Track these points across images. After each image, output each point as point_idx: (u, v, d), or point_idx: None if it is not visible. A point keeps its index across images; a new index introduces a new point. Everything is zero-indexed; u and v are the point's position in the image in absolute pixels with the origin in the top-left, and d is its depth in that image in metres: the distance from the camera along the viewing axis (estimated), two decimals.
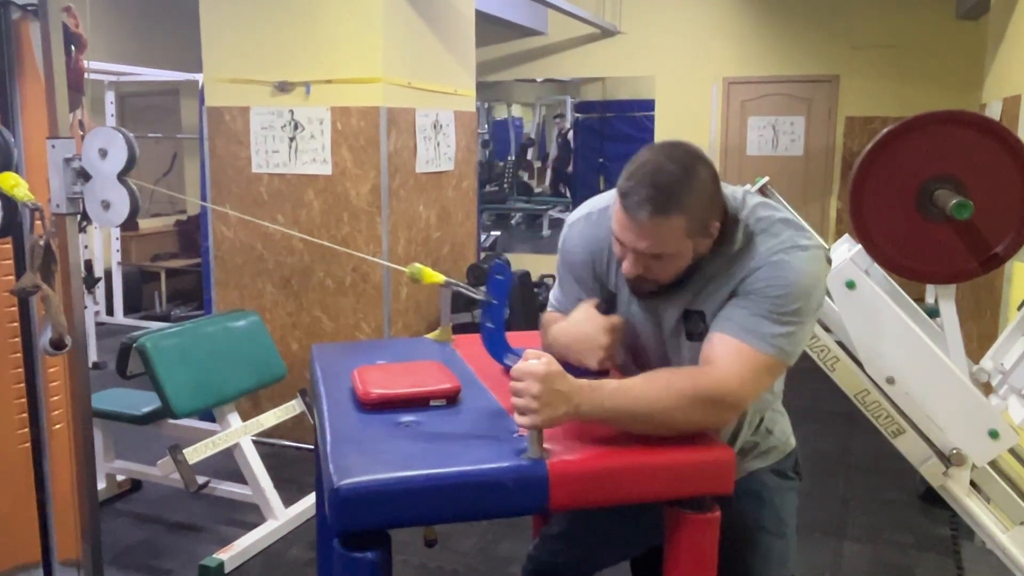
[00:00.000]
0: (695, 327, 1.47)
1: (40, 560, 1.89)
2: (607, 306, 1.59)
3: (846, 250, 2.44)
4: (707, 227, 1.40)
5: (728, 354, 1.36)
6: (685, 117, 7.39)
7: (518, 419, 1.26)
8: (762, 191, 3.08)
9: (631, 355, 1.63)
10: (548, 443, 1.27)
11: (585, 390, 1.28)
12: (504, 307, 1.59)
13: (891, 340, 2.14)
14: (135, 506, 3.61)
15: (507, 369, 1.51)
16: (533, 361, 1.25)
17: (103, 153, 1.72)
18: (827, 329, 2.31)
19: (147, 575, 3.03)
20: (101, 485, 3.58)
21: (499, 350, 1.62)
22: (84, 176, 1.74)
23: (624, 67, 7.69)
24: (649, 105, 7.69)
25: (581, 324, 1.53)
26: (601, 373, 1.50)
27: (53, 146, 1.72)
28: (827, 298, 2.57)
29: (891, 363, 2.14)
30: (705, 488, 1.29)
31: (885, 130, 2.07)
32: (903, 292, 2.39)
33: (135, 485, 3.74)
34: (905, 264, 2.13)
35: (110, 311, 6.91)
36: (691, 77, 7.34)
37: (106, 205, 1.74)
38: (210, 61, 4.12)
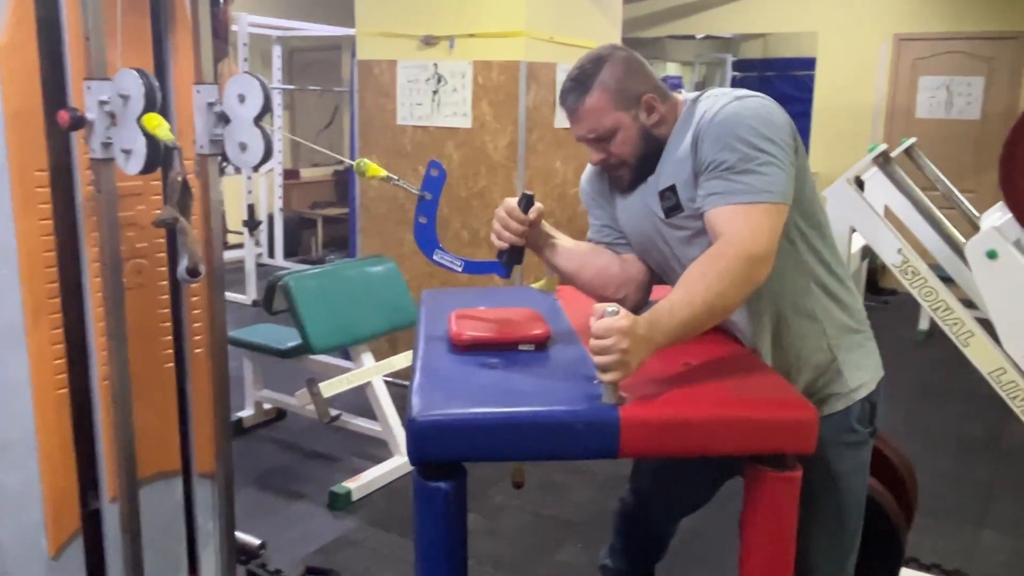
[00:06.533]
0: (669, 201, 1.54)
1: (180, 470, 2.09)
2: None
3: (997, 219, 2.27)
4: (635, 97, 1.53)
5: (732, 220, 1.40)
6: (849, 77, 6.97)
7: (606, 376, 1.25)
8: (907, 153, 2.90)
9: (652, 265, 1.69)
10: (627, 390, 1.28)
11: (654, 324, 1.30)
12: (437, 202, 1.67)
13: None
14: (278, 433, 3.90)
15: (434, 263, 1.65)
16: (612, 315, 1.25)
17: (241, 98, 1.84)
18: (968, 303, 2.17)
19: (283, 497, 3.28)
20: (249, 412, 3.88)
21: (429, 244, 1.67)
22: (224, 120, 1.87)
23: (786, 22, 7.33)
24: (811, 64, 7.31)
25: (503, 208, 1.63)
26: (517, 250, 1.61)
27: (198, 91, 1.86)
28: (966, 267, 2.41)
29: None
30: (783, 446, 1.26)
31: None
32: None
33: (280, 414, 4.02)
34: None
35: (271, 254, 7.39)
36: (858, 33, 6.90)
37: (243, 147, 1.87)
38: (362, 15, 4.27)
